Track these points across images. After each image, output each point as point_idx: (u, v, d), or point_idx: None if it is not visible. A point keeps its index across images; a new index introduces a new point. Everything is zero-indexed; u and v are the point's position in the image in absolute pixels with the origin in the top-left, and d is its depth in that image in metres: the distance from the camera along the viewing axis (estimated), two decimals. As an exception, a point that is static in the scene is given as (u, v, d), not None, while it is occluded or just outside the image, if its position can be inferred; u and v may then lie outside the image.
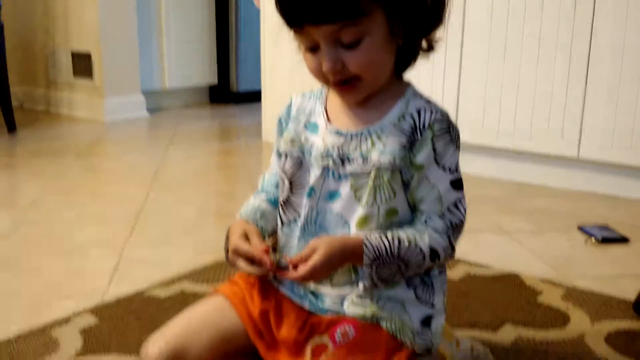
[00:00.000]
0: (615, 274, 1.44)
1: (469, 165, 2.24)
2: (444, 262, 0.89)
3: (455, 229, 0.86)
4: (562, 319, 1.20)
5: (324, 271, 0.81)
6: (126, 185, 2.11)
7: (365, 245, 0.81)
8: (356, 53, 0.79)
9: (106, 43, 3.26)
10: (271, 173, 0.99)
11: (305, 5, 0.76)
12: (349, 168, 0.85)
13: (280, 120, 0.95)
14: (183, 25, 3.75)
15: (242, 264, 0.85)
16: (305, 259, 0.81)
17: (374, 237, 0.82)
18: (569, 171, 2.10)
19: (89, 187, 2.09)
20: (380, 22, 0.79)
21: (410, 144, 0.83)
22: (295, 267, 0.82)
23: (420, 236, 0.83)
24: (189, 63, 3.82)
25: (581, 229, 1.70)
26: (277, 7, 0.79)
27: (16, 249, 1.54)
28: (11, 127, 2.92)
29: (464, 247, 1.60)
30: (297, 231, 0.90)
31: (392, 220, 0.85)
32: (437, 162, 0.84)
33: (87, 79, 3.36)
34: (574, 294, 1.31)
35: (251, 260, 0.84)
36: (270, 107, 2.74)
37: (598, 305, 1.26)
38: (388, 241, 0.82)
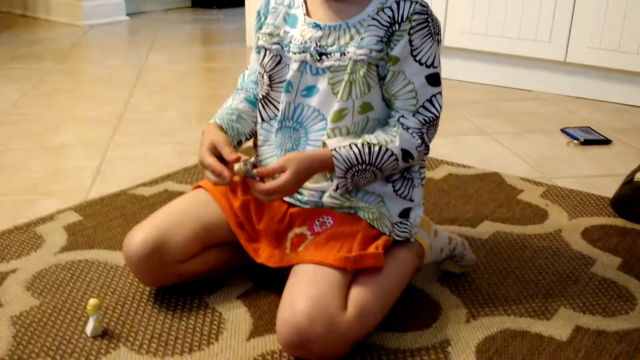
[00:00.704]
0: (595, 173, 1.46)
1: (456, 69, 2.22)
2: (419, 160, 0.89)
3: (429, 125, 0.86)
4: (540, 216, 1.23)
5: (291, 189, 0.82)
6: (107, 89, 2.08)
7: (335, 158, 0.81)
8: None
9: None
10: (251, 70, 0.98)
11: None
12: (326, 62, 0.84)
13: (259, 13, 0.93)
14: None
15: (208, 174, 0.85)
16: (272, 173, 0.81)
17: (343, 148, 0.82)
18: (556, 75, 2.08)
19: (70, 91, 2.05)
20: None
21: (388, 36, 0.82)
22: (262, 180, 0.82)
23: (391, 139, 0.83)
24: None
25: (564, 131, 1.71)
26: None
27: (-3, 150, 1.53)
28: (-13, 31, 2.83)
29: (446, 149, 1.62)
30: (275, 126, 0.90)
31: (367, 116, 0.85)
32: (413, 55, 0.83)
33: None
34: (553, 192, 1.33)
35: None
36: (254, 11, 2.66)
37: (576, 202, 1.29)
38: (358, 149, 0.82)
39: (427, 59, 0.84)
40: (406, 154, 0.84)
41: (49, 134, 1.64)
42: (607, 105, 1.99)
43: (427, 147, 0.87)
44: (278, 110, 0.89)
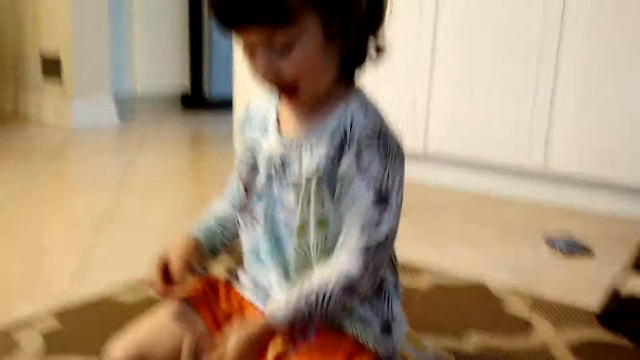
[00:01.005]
0: (579, 284, 1.46)
1: (436, 176, 2.26)
2: (369, 285, 0.82)
3: (375, 250, 0.80)
4: (526, 329, 1.21)
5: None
6: (93, 189, 2.08)
7: (273, 322, 0.79)
8: (289, 59, 0.76)
9: (76, 45, 3.22)
10: (235, 177, 0.98)
11: (234, 8, 0.74)
12: (289, 178, 0.84)
13: (240, 124, 0.94)
14: (155, 31, 3.72)
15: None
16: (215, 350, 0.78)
17: (278, 311, 0.79)
18: (536, 183, 2.13)
19: (56, 190, 2.05)
20: (314, 25, 0.76)
21: (339, 154, 0.80)
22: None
23: (330, 279, 0.80)
24: (160, 69, 3.79)
25: (547, 240, 1.72)
26: (209, 9, 0.78)
27: (-23, 250, 1.51)
28: (-24, 129, 2.86)
29: (431, 257, 1.62)
30: (261, 234, 0.89)
31: (325, 232, 0.83)
32: (361, 174, 0.80)
33: (56, 82, 3.31)
34: (539, 304, 1.32)
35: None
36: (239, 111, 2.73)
37: (563, 315, 1.28)
38: (294, 305, 0.79)
39: (374, 178, 0.80)
40: (349, 289, 0.80)
41: (32, 235, 1.63)
42: (589, 213, 2.02)
43: (376, 271, 0.82)
44: (255, 219, 0.89)
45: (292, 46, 0.76)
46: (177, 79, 3.90)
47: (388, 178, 0.80)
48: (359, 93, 0.85)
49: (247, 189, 0.89)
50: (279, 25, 0.74)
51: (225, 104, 3.88)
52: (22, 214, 1.79)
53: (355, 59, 0.83)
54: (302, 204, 0.82)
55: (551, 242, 1.70)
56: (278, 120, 0.88)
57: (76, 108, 3.26)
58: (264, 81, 0.80)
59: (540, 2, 1.98)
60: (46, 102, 3.37)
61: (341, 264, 0.80)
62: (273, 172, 0.85)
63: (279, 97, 0.84)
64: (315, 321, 0.81)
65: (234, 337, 0.78)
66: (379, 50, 0.84)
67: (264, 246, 0.88)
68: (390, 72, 2.25)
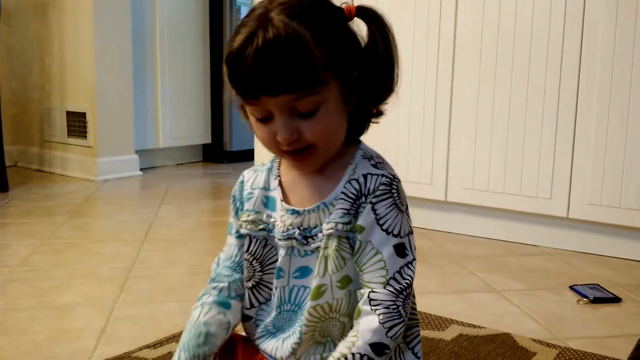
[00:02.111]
0: (607, 334, 1.43)
1: (459, 224, 2.26)
2: (398, 336, 0.81)
3: (401, 296, 0.80)
4: (555, 381, 1.19)
5: None
6: (117, 244, 2.10)
7: None
8: (313, 122, 0.77)
9: (101, 103, 3.31)
10: (227, 255, 0.93)
11: (263, 75, 0.73)
12: (313, 244, 0.83)
13: (234, 200, 0.92)
14: (178, 85, 3.81)
15: None
16: None
17: None
18: (559, 230, 2.11)
19: (80, 246, 2.08)
20: (335, 90, 0.78)
21: (355, 209, 0.81)
22: None
23: (353, 342, 0.78)
24: (183, 123, 3.87)
25: (572, 288, 1.70)
26: (230, 78, 0.77)
27: (3, 308, 1.52)
28: (4, 187, 2.92)
29: (455, 307, 1.60)
30: (272, 311, 0.88)
31: (348, 290, 0.82)
32: (379, 224, 0.81)
33: (81, 139, 3.39)
34: (566, 355, 1.29)
35: None
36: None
37: (591, 366, 1.25)
38: None
39: (394, 228, 0.81)
40: (378, 347, 0.78)
41: (56, 292, 1.64)
42: (613, 260, 1.99)
43: (403, 321, 0.80)
44: (270, 294, 0.87)
45: (317, 110, 0.77)
46: (198, 130, 3.97)
47: (403, 226, 0.82)
48: (360, 148, 0.86)
49: (263, 263, 0.87)
50: (308, 92, 0.75)
51: (245, 156, 3.94)
52: (46, 270, 1.81)
53: (363, 122, 0.86)
54: (320, 264, 0.81)
55: (577, 290, 1.67)
56: (283, 190, 0.87)
57: (101, 163, 3.32)
58: (275, 146, 0.80)
59: (558, 49, 2.00)
60: (71, 159, 3.45)
61: (367, 320, 0.79)
62: (295, 243, 0.83)
63: (292, 161, 0.83)
64: None
65: None
66: (378, 112, 0.86)
67: (278, 319, 0.87)
68: (410, 121, 2.27)
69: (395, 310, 0.79)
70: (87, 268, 1.85)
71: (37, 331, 1.39)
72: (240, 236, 0.90)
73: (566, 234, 2.10)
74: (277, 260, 0.85)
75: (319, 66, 0.74)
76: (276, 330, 0.88)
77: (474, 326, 1.44)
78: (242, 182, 0.91)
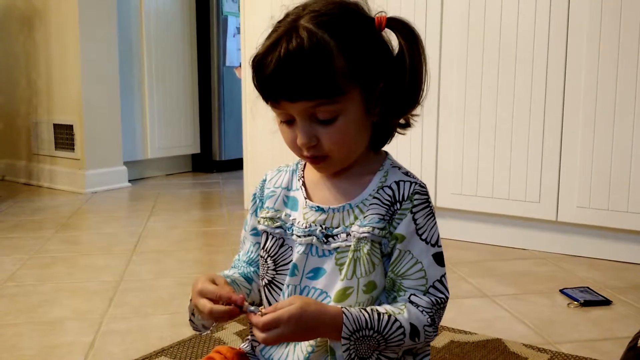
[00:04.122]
0: (598, 337, 1.43)
1: (448, 230, 2.26)
2: (424, 345, 0.85)
3: (439, 306, 0.83)
4: (546, 386, 1.19)
5: (293, 330, 0.74)
6: (106, 257, 2.09)
7: (346, 316, 0.77)
8: (331, 130, 0.79)
9: (89, 115, 3.29)
10: (244, 251, 0.96)
11: (283, 82, 0.76)
12: (333, 244, 0.83)
13: (254, 197, 0.94)
14: (166, 95, 3.80)
15: (208, 304, 0.79)
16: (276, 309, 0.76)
17: (353, 309, 0.79)
18: (548, 234, 2.11)
19: (68, 260, 2.06)
20: (357, 100, 0.79)
21: (390, 215, 0.82)
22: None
23: (399, 311, 0.80)
24: (171, 133, 3.85)
25: (563, 292, 1.70)
26: (253, 80, 0.80)
27: (-10, 325, 1.51)
28: (-9, 201, 2.90)
29: (446, 314, 1.59)
30: None
31: (371, 295, 0.83)
32: (419, 234, 0.82)
33: (69, 152, 3.37)
34: (557, 358, 1.29)
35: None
36: (252, 176, 2.75)
37: (582, 370, 1.25)
38: (368, 313, 0.79)
39: (432, 238, 0.83)
40: (414, 330, 0.80)
41: (44, 307, 1.63)
42: (603, 263, 1.99)
43: (436, 330, 0.84)
44: (282, 293, 0.87)
45: (336, 118, 0.79)
46: (187, 140, 3.96)
47: (437, 234, 0.85)
48: (388, 157, 0.89)
49: (277, 262, 0.88)
50: (327, 100, 0.77)
51: (234, 165, 3.93)
52: (34, 285, 1.80)
53: (387, 132, 0.87)
54: (349, 266, 0.81)
55: (567, 294, 1.68)
56: (306, 189, 0.89)
57: (89, 175, 3.30)
58: (297, 148, 0.82)
59: (544, 52, 2.01)
60: (59, 172, 3.43)
61: (410, 307, 0.81)
62: (314, 240, 0.84)
63: (311, 165, 0.86)
64: (371, 342, 0.78)
65: (298, 302, 0.75)
66: (407, 124, 0.88)
67: None
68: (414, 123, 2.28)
69: (431, 317, 0.82)
70: (76, 282, 1.84)
71: (25, 347, 1.38)
72: (256, 233, 0.92)
73: (555, 237, 2.10)
74: (291, 260, 0.86)
75: (340, 76, 0.76)
76: None
77: (465, 332, 1.44)
78: (264, 180, 0.93)
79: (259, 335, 0.75)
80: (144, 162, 3.77)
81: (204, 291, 0.80)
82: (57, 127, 3.41)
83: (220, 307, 0.78)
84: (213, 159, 4.02)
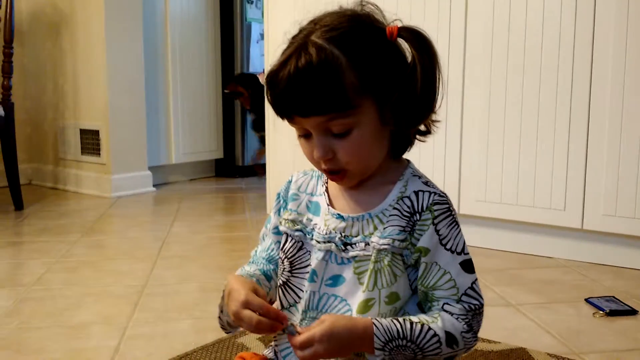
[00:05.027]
0: (624, 347, 1.41)
1: (472, 237, 2.24)
2: (463, 350, 0.83)
3: (474, 313, 0.82)
4: (571, 397, 1.17)
5: (326, 347, 0.76)
6: (130, 262, 2.11)
7: (375, 326, 0.77)
8: (346, 143, 0.79)
9: (114, 120, 3.34)
10: (264, 246, 0.97)
11: (294, 98, 0.77)
12: (351, 252, 0.83)
13: (279, 196, 0.95)
14: (189, 101, 3.83)
15: (255, 317, 0.79)
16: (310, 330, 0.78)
17: (384, 319, 0.79)
18: (574, 242, 2.09)
19: (94, 264, 2.09)
20: (371, 112, 0.79)
21: (411, 226, 0.82)
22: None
23: (433, 319, 0.80)
24: (195, 138, 3.89)
25: (588, 301, 1.68)
26: (267, 97, 0.81)
27: (18, 327, 1.53)
28: (18, 206, 2.95)
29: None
30: (297, 315, 0.88)
31: (394, 306, 0.82)
32: (443, 245, 0.82)
33: (95, 156, 3.41)
34: (583, 370, 1.28)
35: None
36: (275, 182, 2.76)
37: (608, 381, 1.23)
38: (399, 322, 0.78)
39: (457, 246, 0.83)
40: (450, 338, 0.80)
41: (70, 310, 1.65)
42: (629, 272, 1.97)
43: (475, 336, 0.83)
44: (299, 297, 0.88)
45: (350, 132, 0.79)
46: (210, 146, 3.99)
47: (463, 242, 0.84)
48: (409, 166, 0.89)
49: (293, 264, 0.89)
50: (339, 114, 0.77)
51: (255, 172, 3.96)
52: (60, 289, 1.82)
53: (406, 140, 0.87)
54: (370, 277, 0.81)
55: (593, 303, 1.66)
56: (329, 196, 0.89)
57: (114, 180, 3.35)
58: (315, 161, 0.83)
59: (569, 57, 2.00)
60: (85, 176, 3.47)
61: (444, 315, 0.81)
62: (333, 247, 0.84)
63: (330, 178, 0.86)
64: (406, 352, 0.78)
65: (328, 321, 0.77)
66: (427, 131, 0.87)
67: (300, 324, 0.86)
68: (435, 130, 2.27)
69: (468, 324, 0.81)
70: (101, 286, 1.86)
71: (51, 350, 1.40)
72: (277, 232, 0.93)
73: (581, 246, 2.08)
74: (307, 265, 0.86)
75: (351, 90, 0.76)
76: None
77: (489, 341, 1.43)
78: (290, 182, 0.94)
79: (298, 353, 0.78)
80: (168, 167, 3.81)
81: (250, 303, 0.80)
82: (83, 132, 3.46)
83: (266, 322, 0.79)
84: (236, 164, 4.04)
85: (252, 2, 3.98)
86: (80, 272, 1.99)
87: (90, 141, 3.43)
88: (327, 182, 0.91)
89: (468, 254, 0.84)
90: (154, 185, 3.56)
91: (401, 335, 0.78)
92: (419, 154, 2.24)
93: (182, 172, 3.92)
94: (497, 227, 2.22)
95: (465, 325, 0.81)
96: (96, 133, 3.38)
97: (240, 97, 3.63)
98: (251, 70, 3.97)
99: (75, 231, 2.54)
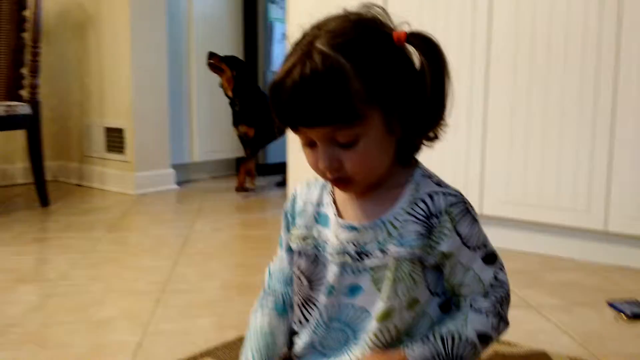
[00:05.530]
0: (647, 352, 1.40)
1: (494, 238, 2.22)
2: (499, 336, 0.86)
3: (503, 302, 0.84)
4: (592, 400, 1.17)
5: None
6: (153, 258, 2.14)
7: (410, 355, 0.78)
8: (352, 153, 0.77)
9: (138, 119, 3.38)
10: (279, 268, 0.95)
11: (299, 108, 0.74)
12: (367, 262, 0.82)
13: (286, 214, 0.93)
14: (212, 100, 3.86)
15: None
16: None
17: (416, 346, 0.79)
18: (596, 244, 2.07)
19: (118, 261, 2.12)
20: (378, 121, 0.76)
21: (428, 230, 0.80)
22: None
23: (463, 326, 0.80)
24: (217, 137, 3.92)
25: (610, 304, 1.66)
26: (271, 105, 0.78)
27: (43, 322, 1.56)
28: (44, 202, 3.00)
29: (490, 323, 1.58)
30: (319, 329, 0.87)
31: (414, 311, 0.82)
32: (466, 245, 0.82)
33: (119, 154, 3.46)
34: (604, 373, 1.27)
35: None
36: (296, 180, 2.77)
37: (630, 385, 1.22)
38: (431, 343, 0.79)
39: (478, 243, 0.83)
40: (483, 337, 0.81)
41: (94, 306, 1.68)
42: (653, 275, 1.94)
43: (507, 323, 0.85)
44: (319, 310, 0.87)
45: (357, 142, 0.76)
46: (232, 144, 4.01)
47: (484, 237, 0.85)
48: (418, 168, 0.86)
49: (312, 280, 0.87)
50: (345, 125, 0.75)
51: (278, 169, 3.96)
52: (85, 285, 1.85)
53: (412, 147, 0.85)
54: (390, 287, 0.80)
55: (615, 306, 1.64)
56: (336, 206, 0.87)
57: (138, 177, 3.39)
58: (322, 172, 0.80)
59: (594, 56, 1.98)
60: (109, 173, 3.52)
61: (475, 313, 0.82)
62: (348, 260, 0.83)
63: (336, 187, 0.85)
64: None
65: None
66: (434, 137, 0.84)
67: (326, 338, 0.86)
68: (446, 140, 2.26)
69: (498, 314, 0.83)
70: (125, 282, 1.89)
71: (76, 345, 1.42)
72: (291, 250, 0.91)
73: (604, 248, 2.06)
74: (325, 278, 0.85)
75: (358, 99, 0.73)
76: (325, 350, 0.87)
77: (509, 344, 1.42)
78: (295, 196, 0.92)
79: None
80: (191, 165, 3.84)
81: None
82: (108, 130, 3.51)
83: None
84: (258, 162, 4.06)
85: (274, 2, 4.00)
86: (104, 268, 2.03)
87: (115, 139, 3.47)
88: (333, 192, 0.89)
89: (488, 245, 0.85)
90: (176, 183, 3.60)
91: (436, 356, 0.79)
92: (442, 154, 2.24)
93: (204, 170, 3.95)
94: (519, 228, 2.20)
95: (494, 319, 0.82)
96: (120, 131, 3.43)
97: (223, 75, 3.39)
98: (273, 69, 3.99)
99: (100, 228, 2.58)
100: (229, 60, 3.43)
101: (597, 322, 1.57)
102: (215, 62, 3.40)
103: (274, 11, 3.99)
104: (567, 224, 2.09)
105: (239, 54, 4.00)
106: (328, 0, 2.51)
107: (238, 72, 3.39)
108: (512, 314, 1.61)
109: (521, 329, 1.52)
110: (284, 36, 3.99)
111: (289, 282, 0.93)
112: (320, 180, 0.90)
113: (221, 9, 3.89)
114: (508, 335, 1.45)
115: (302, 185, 0.93)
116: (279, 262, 0.95)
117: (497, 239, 2.22)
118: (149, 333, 1.49)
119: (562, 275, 1.95)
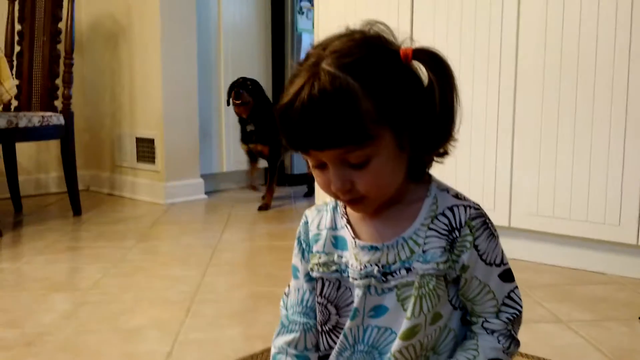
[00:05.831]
0: (680, 369, 1.37)
1: (522, 251, 2.21)
2: (514, 353, 0.86)
3: (514, 322, 0.84)
4: (623, 418, 1.15)
5: None
6: (183, 268, 2.17)
7: None
8: (365, 173, 0.75)
9: (169, 130, 3.43)
10: (297, 300, 0.92)
11: (308, 132, 0.72)
12: (392, 281, 0.81)
13: (299, 241, 0.91)
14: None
15: None
16: None
17: None
18: (628, 258, 2.04)
19: (148, 270, 2.15)
20: (389, 139, 0.75)
21: (450, 243, 0.80)
22: None
23: (474, 355, 0.81)
24: (246, 147, 3.95)
25: (643, 319, 1.64)
26: (279, 128, 0.76)
27: (75, 331, 1.59)
28: (77, 211, 3.06)
29: (520, 339, 1.56)
30: (345, 352, 0.86)
31: (438, 325, 0.82)
32: (482, 259, 0.82)
33: (150, 164, 3.51)
34: (636, 391, 1.25)
35: None
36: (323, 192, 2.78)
37: (662, 403, 1.20)
38: None
39: (495, 258, 0.83)
40: None
41: (125, 315, 1.71)
42: (687, 290, 1.91)
43: (518, 343, 0.85)
44: (344, 334, 0.85)
45: (369, 162, 0.75)
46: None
47: (502, 253, 0.84)
48: (433, 182, 0.85)
49: (338, 306, 0.86)
50: (356, 147, 0.73)
51: (306, 179, 3.98)
52: (116, 294, 1.89)
53: (423, 163, 0.83)
54: (415, 304, 0.80)
55: (647, 322, 1.62)
56: (352, 227, 0.85)
57: (168, 187, 3.43)
58: (334, 194, 0.79)
59: (624, 70, 1.96)
60: (140, 183, 3.57)
61: (486, 338, 0.83)
62: (373, 281, 0.81)
63: (349, 206, 0.84)
64: None
65: None
66: (444, 153, 0.83)
67: (349, 359, 0.86)
68: (472, 146, 2.26)
69: (509, 334, 0.84)
70: (155, 291, 1.92)
71: (107, 353, 1.45)
72: (310, 279, 0.89)
73: (635, 262, 2.03)
74: (352, 302, 0.84)
75: (368, 120, 0.72)
76: None
77: (538, 358, 1.41)
78: (307, 223, 0.90)
79: None
80: (220, 175, 3.88)
81: None
82: (139, 140, 3.56)
83: None
84: (285, 172, 4.08)
85: (303, 13, 4.03)
86: (135, 278, 2.06)
87: (146, 149, 3.53)
88: (346, 214, 0.87)
89: (507, 264, 0.84)
90: (205, 193, 3.64)
91: None
92: (469, 166, 2.23)
93: (233, 180, 3.99)
94: (549, 242, 2.18)
95: (506, 342, 0.83)
96: (151, 141, 3.48)
97: (242, 106, 3.32)
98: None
99: (131, 237, 2.62)
100: (251, 91, 3.32)
101: (629, 337, 1.55)
102: (245, 99, 3.28)
103: (302, 22, 4.02)
104: (597, 237, 2.06)
105: (267, 65, 4.04)
106: (355, 10, 2.55)
107: (255, 98, 3.32)
108: (542, 328, 1.60)
109: (550, 344, 1.50)
110: (311, 47, 4.01)
111: (309, 313, 0.91)
112: (330, 203, 0.89)
113: (250, 20, 3.94)
114: (537, 350, 1.45)
115: (311, 211, 0.92)
116: (295, 293, 0.92)
117: (526, 252, 2.22)
118: (179, 342, 1.51)
119: (592, 290, 1.93)
